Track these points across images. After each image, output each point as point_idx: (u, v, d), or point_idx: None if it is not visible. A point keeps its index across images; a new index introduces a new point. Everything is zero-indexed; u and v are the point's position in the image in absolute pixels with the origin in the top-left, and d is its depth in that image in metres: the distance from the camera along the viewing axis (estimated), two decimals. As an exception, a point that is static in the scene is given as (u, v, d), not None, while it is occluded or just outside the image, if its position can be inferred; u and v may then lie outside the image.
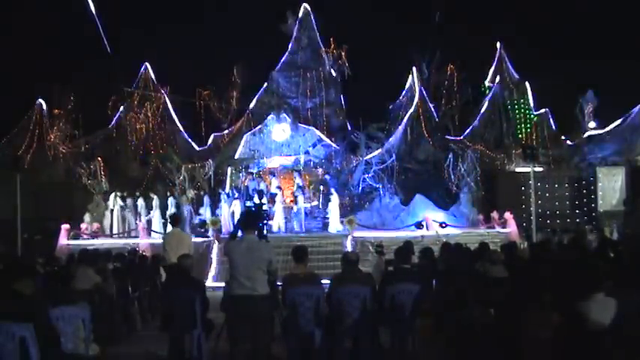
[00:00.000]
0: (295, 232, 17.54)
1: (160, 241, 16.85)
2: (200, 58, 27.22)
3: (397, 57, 25.01)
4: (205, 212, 18.83)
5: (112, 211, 19.00)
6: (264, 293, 5.62)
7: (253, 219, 6.17)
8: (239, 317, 5.58)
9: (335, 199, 17.92)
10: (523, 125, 24.71)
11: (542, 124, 24.34)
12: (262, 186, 18.58)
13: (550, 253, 7.47)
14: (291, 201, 18.83)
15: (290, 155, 22.17)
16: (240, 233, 6.23)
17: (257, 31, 27.15)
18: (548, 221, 19.98)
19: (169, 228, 18.11)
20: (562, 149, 22.99)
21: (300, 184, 18.90)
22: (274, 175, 19.82)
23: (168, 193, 19.63)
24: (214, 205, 19.15)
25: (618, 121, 23.12)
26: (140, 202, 19.20)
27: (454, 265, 7.56)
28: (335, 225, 17.69)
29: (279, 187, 18.79)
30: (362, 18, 29.36)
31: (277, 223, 17.66)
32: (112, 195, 19.30)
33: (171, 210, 18.25)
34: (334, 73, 24.87)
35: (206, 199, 19.32)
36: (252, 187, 18.87)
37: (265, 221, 16.28)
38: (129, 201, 19.29)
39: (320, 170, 21.40)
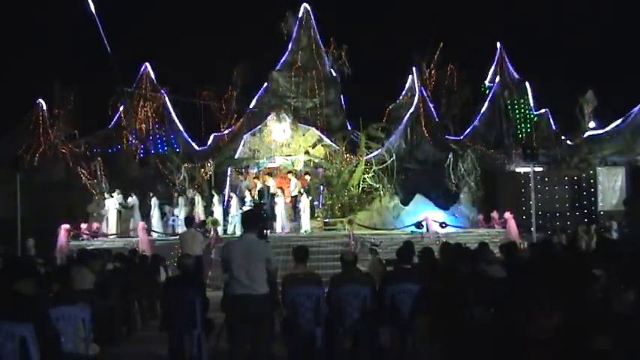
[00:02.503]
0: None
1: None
2: (200, 58, 27.21)
3: (397, 57, 25.02)
4: (180, 213, 19.02)
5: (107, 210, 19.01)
6: (264, 292, 5.62)
7: (253, 219, 6.15)
8: (239, 317, 5.57)
9: (304, 199, 17.89)
10: (523, 125, 24.72)
11: (542, 124, 24.34)
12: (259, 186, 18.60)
13: (550, 253, 7.47)
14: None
15: (290, 155, 22.15)
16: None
17: (257, 31, 27.13)
18: (548, 221, 19.99)
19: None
20: (562, 149, 22.99)
21: (290, 186, 18.94)
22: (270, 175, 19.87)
23: (151, 194, 19.60)
24: (190, 206, 19.36)
25: (618, 121, 23.13)
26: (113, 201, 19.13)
27: (454, 265, 7.56)
28: (304, 226, 17.68)
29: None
30: (362, 18, 29.36)
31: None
32: (115, 194, 19.29)
33: (153, 210, 18.94)
34: (334, 73, 24.86)
35: (181, 200, 19.42)
36: (243, 187, 19.06)
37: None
38: (129, 200, 19.31)
39: (320, 170, 21.42)
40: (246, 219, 6.10)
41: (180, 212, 19.05)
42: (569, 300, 3.97)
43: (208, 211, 19.16)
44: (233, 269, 5.63)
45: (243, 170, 22.01)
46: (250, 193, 18.28)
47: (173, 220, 19.44)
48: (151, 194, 19.65)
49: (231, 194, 19.49)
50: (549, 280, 4.56)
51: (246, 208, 17.39)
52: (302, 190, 18.05)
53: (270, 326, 6.07)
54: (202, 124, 25.88)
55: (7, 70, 25.16)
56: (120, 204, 19.10)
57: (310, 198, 19.04)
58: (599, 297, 4.68)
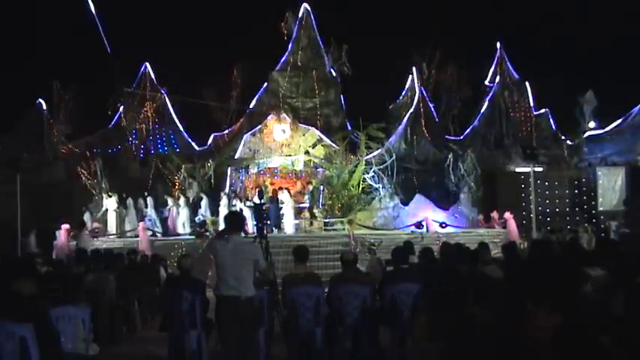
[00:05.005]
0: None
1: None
2: (200, 58, 27.23)
3: (397, 57, 25.03)
4: (152, 213, 19.24)
5: (106, 211, 19.01)
6: (249, 295, 5.58)
7: (236, 220, 6.10)
8: (227, 317, 5.56)
9: (287, 200, 17.85)
10: (523, 125, 24.71)
11: (542, 124, 24.33)
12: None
13: (550, 253, 7.46)
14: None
15: (290, 155, 22.16)
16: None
17: (257, 31, 27.15)
18: (549, 221, 19.98)
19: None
20: (562, 149, 22.97)
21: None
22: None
23: (124, 194, 19.57)
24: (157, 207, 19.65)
25: (618, 121, 23.13)
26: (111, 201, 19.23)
27: (454, 265, 7.55)
28: (288, 227, 17.69)
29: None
30: (362, 18, 29.38)
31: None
32: (112, 195, 19.31)
33: (130, 210, 19.10)
34: (334, 73, 24.86)
35: (149, 201, 19.54)
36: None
37: (266, 222, 16.28)
38: (128, 201, 19.34)
39: (321, 170, 21.43)
40: (229, 220, 6.05)
41: (151, 213, 19.33)
42: (566, 300, 3.97)
43: (176, 212, 19.28)
44: (221, 270, 5.63)
45: (243, 169, 22.08)
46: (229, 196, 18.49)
47: (149, 220, 19.45)
48: (124, 194, 19.65)
49: (201, 195, 19.59)
50: (549, 279, 4.56)
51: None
52: (285, 191, 18.10)
53: (270, 326, 6.06)
54: (202, 124, 25.91)
55: (7, 70, 25.18)
56: (116, 209, 19.17)
57: (309, 199, 19.09)
58: (593, 297, 4.68)
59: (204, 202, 19.03)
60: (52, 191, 20.60)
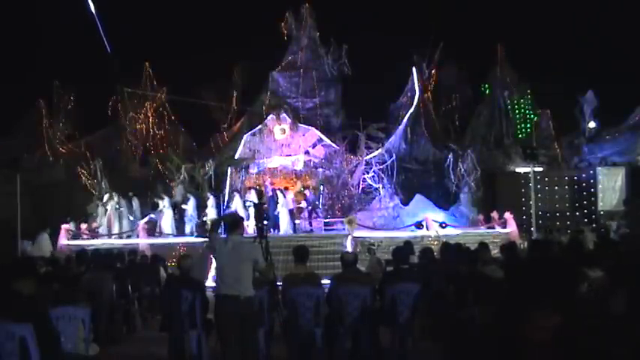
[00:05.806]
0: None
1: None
2: (200, 58, 27.20)
3: (397, 57, 25.00)
4: (138, 213, 19.37)
5: (106, 211, 19.01)
6: (248, 295, 5.59)
7: (234, 220, 6.11)
8: (225, 317, 5.57)
9: (281, 199, 17.90)
10: (523, 125, 24.69)
11: (542, 124, 24.30)
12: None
13: (549, 253, 7.46)
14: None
15: (290, 155, 22.17)
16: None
17: (257, 31, 27.13)
18: (549, 221, 19.98)
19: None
20: (562, 149, 22.96)
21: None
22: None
23: (114, 194, 19.60)
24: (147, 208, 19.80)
25: (618, 121, 23.11)
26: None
27: (454, 265, 7.56)
28: (283, 227, 17.73)
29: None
30: (362, 18, 29.38)
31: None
32: (107, 195, 19.31)
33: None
34: (334, 73, 24.86)
35: (135, 202, 19.61)
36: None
37: (266, 222, 16.26)
38: (122, 202, 19.35)
39: (320, 170, 21.43)
40: (228, 221, 6.06)
41: (138, 212, 19.49)
42: (565, 300, 3.97)
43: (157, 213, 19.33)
44: (220, 270, 5.64)
45: (243, 169, 22.09)
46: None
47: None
48: (117, 195, 19.66)
49: (188, 196, 19.59)
50: (548, 280, 4.56)
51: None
52: (278, 192, 18.11)
53: (270, 326, 6.06)
54: (202, 124, 25.91)
55: (7, 70, 25.15)
56: (116, 208, 19.15)
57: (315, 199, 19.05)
58: (592, 297, 4.68)
59: (191, 203, 18.98)
60: (52, 191, 20.61)
